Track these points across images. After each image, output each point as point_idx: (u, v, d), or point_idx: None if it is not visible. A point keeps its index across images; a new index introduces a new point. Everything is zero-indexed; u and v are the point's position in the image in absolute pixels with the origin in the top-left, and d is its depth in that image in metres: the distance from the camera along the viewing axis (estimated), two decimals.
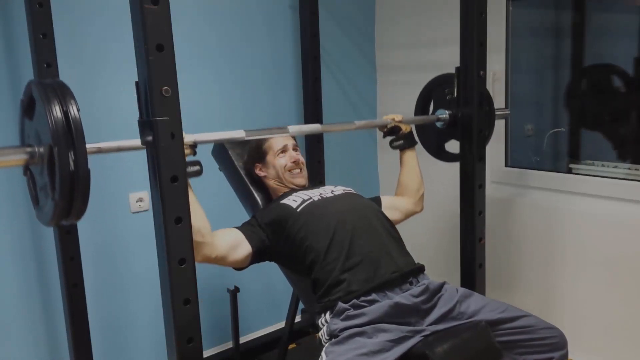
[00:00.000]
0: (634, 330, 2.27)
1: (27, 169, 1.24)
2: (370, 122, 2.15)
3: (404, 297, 1.60)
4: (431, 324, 1.59)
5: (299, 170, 1.98)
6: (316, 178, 2.62)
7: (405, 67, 2.29)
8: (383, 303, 1.57)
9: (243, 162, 2.08)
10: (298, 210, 1.77)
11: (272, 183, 1.99)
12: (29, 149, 1.15)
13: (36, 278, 2.16)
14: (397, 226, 1.88)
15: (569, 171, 2.58)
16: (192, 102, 2.34)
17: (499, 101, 2.58)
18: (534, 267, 2.59)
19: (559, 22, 2.88)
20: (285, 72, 2.77)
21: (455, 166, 1.97)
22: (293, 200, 1.82)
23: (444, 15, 2.42)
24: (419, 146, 2.15)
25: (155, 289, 1.37)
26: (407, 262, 1.73)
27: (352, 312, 1.56)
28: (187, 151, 1.42)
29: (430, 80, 2.16)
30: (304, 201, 1.81)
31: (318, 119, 2.71)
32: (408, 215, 2.07)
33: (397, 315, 1.56)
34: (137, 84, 1.23)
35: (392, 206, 2.03)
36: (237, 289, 2.32)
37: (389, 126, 2.02)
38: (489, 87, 1.96)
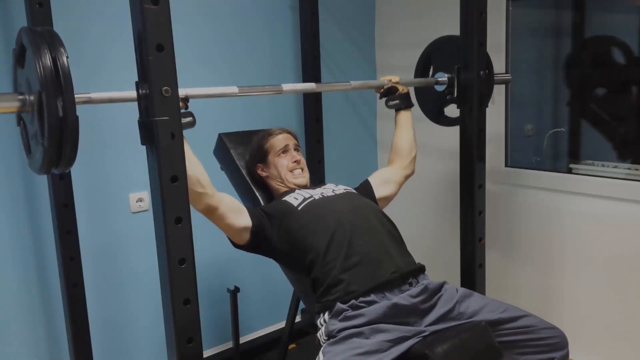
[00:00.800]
0: (634, 330, 2.27)
1: (20, 118, 1.27)
2: (367, 82, 2.12)
3: (402, 297, 1.59)
4: (431, 324, 1.59)
5: (300, 170, 1.98)
6: (316, 178, 2.62)
7: (405, 67, 2.29)
8: (381, 304, 1.57)
9: (245, 161, 2.08)
10: (299, 208, 1.78)
11: (273, 183, 1.99)
12: (20, 97, 1.17)
13: (36, 278, 2.16)
14: (396, 227, 1.88)
15: (569, 171, 2.58)
16: (192, 101, 2.33)
17: (499, 101, 2.58)
18: (534, 267, 2.58)
19: (559, 22, 2.88)
20: (285, 72, 2.76)
21: (456, 166, 1.97)
22: (294, 198, 1.83)
23: (444, 15, 2.42)
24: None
25: (155, 289, 1.37)
26: (407, 263, 1.72)
27: (350, 312, 1.56)
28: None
29: (429, 44, 2.16)
30: (304, 199, 1.81)
31: (318, 119, 2.71)
32: (401, 183, 2.06)
33: (396, 315, 1.56)
34: (137, 83, 1.23)
35: (383, 181, 2.03)
36: (237, 289, 2.32)
37: (385, 87, 2.03)
38: None
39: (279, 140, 1.99)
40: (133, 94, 1.24)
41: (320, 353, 1.49)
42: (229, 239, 1.79)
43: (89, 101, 1.30)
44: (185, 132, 1.33)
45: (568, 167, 2.65)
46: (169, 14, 1.18)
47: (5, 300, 2.09)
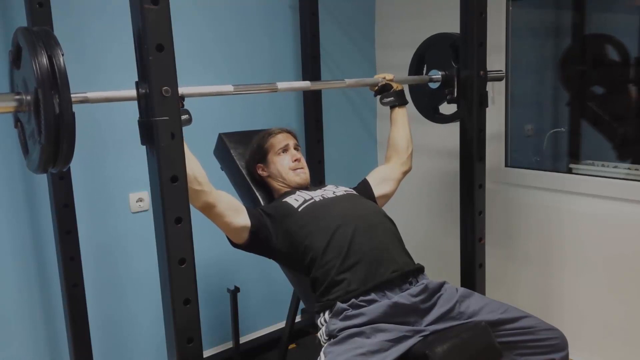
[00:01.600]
0: (634, 330, 2.27)
1: (17, 120, 1.28)
2: (361, 80, 2.14)
3: (402, 296, 1.59)
4: (430, 323, 1.59)
5: (301, 169, 1.97)
6: (316, 178, 2.62)
7: (405, 67, 2.29)
8: (382, 303, 1.57)
9: (245, 161, 2.08)
10: (299, 210, 1.78)
11: (274, 182, 1.99)
12: (17, 97, 1.18)
13: (36, 278, 2.16)
14: (396, 226, 1.88)
15: (569, 171, 2.58)
16: (192, 101, 2.33)
17: (499, 101, 2.58)
18: (534, 266, 2.58)
19: (559, 22, 2.88)
20: (285, 72, 2.76)
21: (456, 166, 1.97)
22: (295, 200, 1.83)
23: (444, 16, 2.41)
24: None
25: (155, 289, 1.37)
26: (407, 262, 1.73)
27: (350, 312, 1.56)
28: None
29: (423, 42, 2.16)
30: (305, 201, 1.81)
31: (318, 119, 2.71)
32: (400, 179, 2.07)
33: (396, 315, 1.56)
34: (137, 83, 1.23)
35: (381, 179, 2.03)
36: (237, 289, 2.32)
37: (380, 84, 2.04)
38: (488, 87, 1.96)
39: (279, 140, 1.99)
40: (130, 93, 1.25)
41: (322, 353, 1.49)
42: (228, 238, 1.79)
43: (86, 100, 1.30)
44: (185, 132, 1.33)
45: (568, 167, 2.65)
46: (169, 13, 1.17)
47: (5, 300, 2.09)
